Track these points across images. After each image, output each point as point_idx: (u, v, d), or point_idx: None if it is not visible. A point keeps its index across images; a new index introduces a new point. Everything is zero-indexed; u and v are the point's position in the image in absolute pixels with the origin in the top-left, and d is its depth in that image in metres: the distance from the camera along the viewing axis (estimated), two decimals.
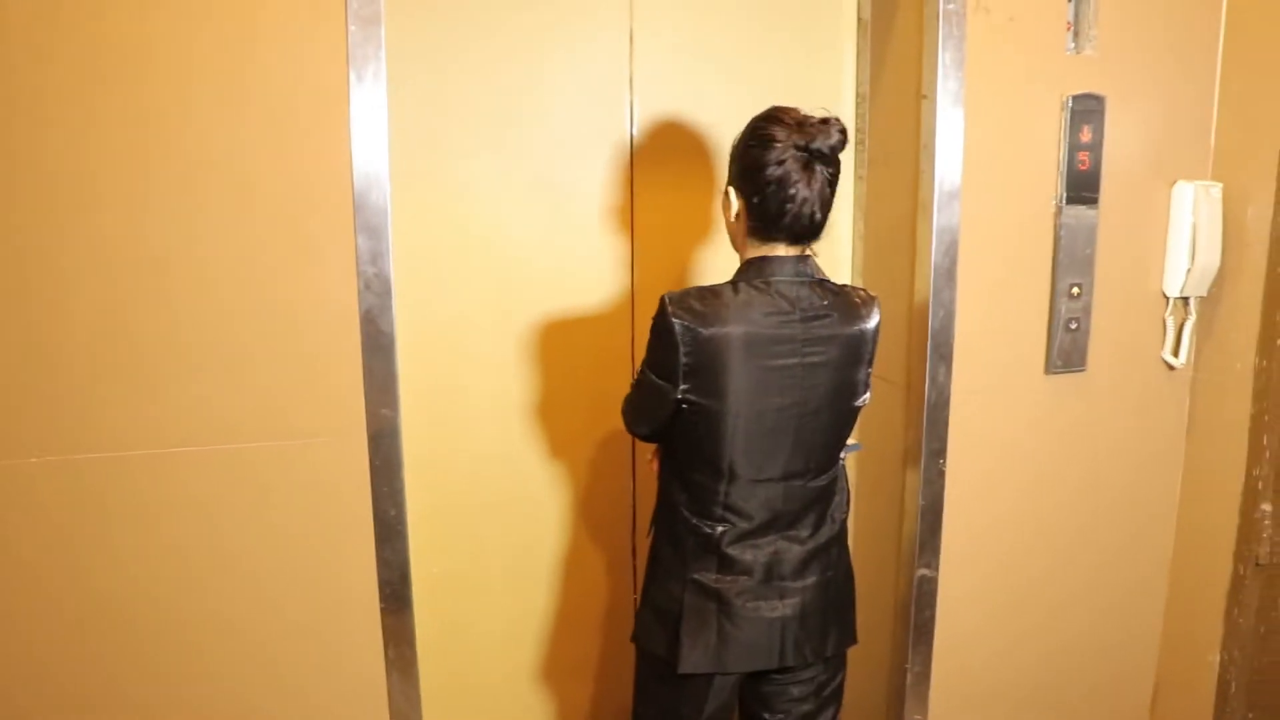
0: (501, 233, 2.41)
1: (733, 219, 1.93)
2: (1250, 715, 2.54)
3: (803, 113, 1.84)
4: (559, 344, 2.49)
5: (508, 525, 2.55)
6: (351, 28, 1.89)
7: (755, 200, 1.85)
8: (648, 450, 2.53)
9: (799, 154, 1.80)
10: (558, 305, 2.48)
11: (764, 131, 1.83)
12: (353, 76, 1.91)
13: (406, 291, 2.20)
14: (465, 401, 2.45)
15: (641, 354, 2.49)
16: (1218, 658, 2.59)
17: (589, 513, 2.62)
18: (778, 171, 1.81)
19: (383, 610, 2.13)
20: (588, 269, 2.50)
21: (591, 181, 2.46)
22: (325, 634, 2.12)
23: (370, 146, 1.95)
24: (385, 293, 2.01)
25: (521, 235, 2.42)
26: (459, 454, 2.46)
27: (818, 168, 1.82)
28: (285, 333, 1.97)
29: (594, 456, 2.59)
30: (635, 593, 2.70)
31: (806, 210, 1.84)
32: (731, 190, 1.90)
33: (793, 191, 1.81)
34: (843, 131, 1.83)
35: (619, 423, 2.56)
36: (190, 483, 1.97)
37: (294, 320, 1.97)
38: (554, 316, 2.48)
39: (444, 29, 2.28)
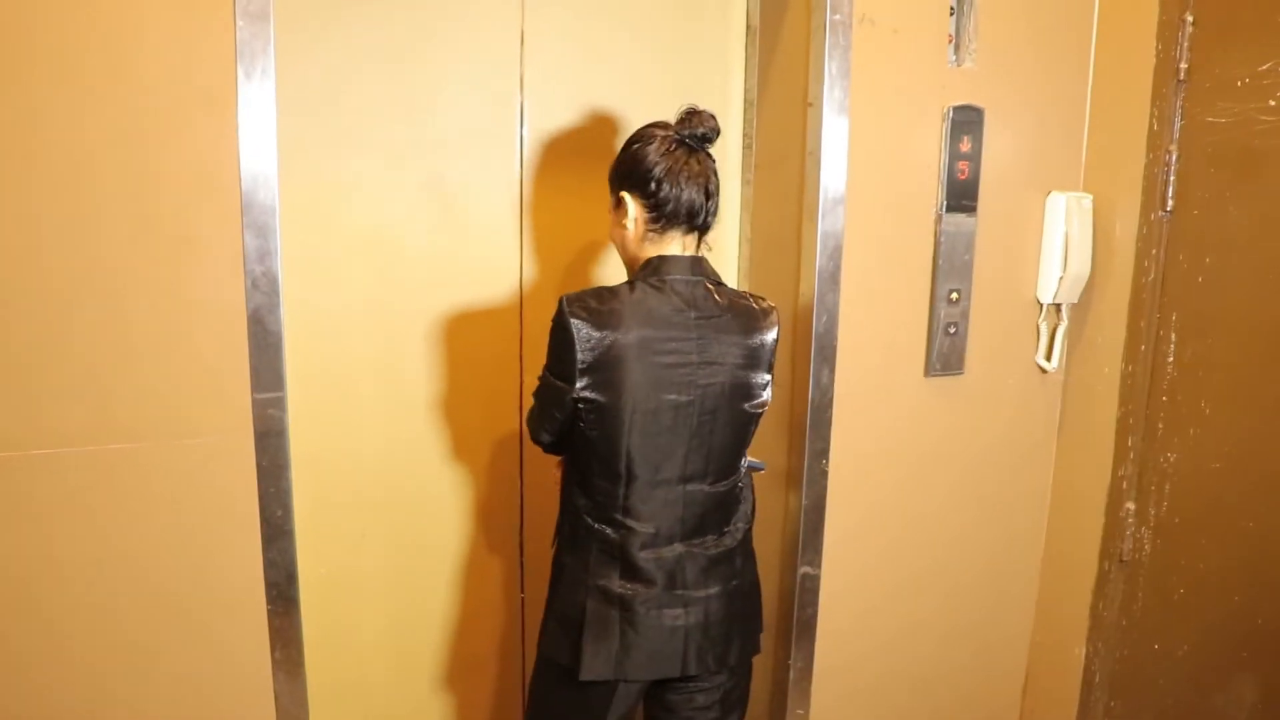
0: (390, 231, 2.39)
1: (629, 226, 1.97)
2: (1112, 704, 2.65)
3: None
4: (447, 344, 2.48)
5: (395, 524, 2.54)
6: (240, 23, 1.86)
7: (648, 196, 1.93)
8: (538, 450, 2.54)
9: (680, 143, 1.92)
10: (446, 305, 2.48)
11: (642, 132, 1.96)
12: (241, 74, 1.89)
13: (293, 290, 2.17)
14: (352, 401, 2.43)
15: (530, 354, 2.53)
16: (1083, 650, 2.70)
17: (477, 511, 2.62)
18: (666, 162, 1.91)
19: (269, 611, 2.10)
20: (476, 269, 2.50)
21: (481, 181, 2.46)
22: (211, 636, 2.08)
23: (258, 144, 1.92)
24: (273, 291, 1.98)
25: (410, 234, 2.41)
26: (346, 453, 2.45)
27: (699, 154, 1.94)
28: (170, 332, 1.93)
29: (482, 455, 2.59)
30: (522, 592, 2.71)
31: (700, 197, 1.93)
32: (626, 196, 1.96)
33: (684, 178, 1.91)
34: (712, 120, 1.95)
35: (507, 421, 2.59)
36: (68, 485, 1.92)
37: (179, 320, 1.93)
38: (442, 316, 2.47)
39: (333, 28, 2.26)
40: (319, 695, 2.32)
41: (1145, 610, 2.57)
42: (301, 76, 2.23)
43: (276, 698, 2.14)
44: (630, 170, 1.94)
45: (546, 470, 2.40)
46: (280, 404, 2.03)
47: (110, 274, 1.87)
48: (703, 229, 1.98)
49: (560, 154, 2.51)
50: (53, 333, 1.85)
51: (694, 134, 1.92)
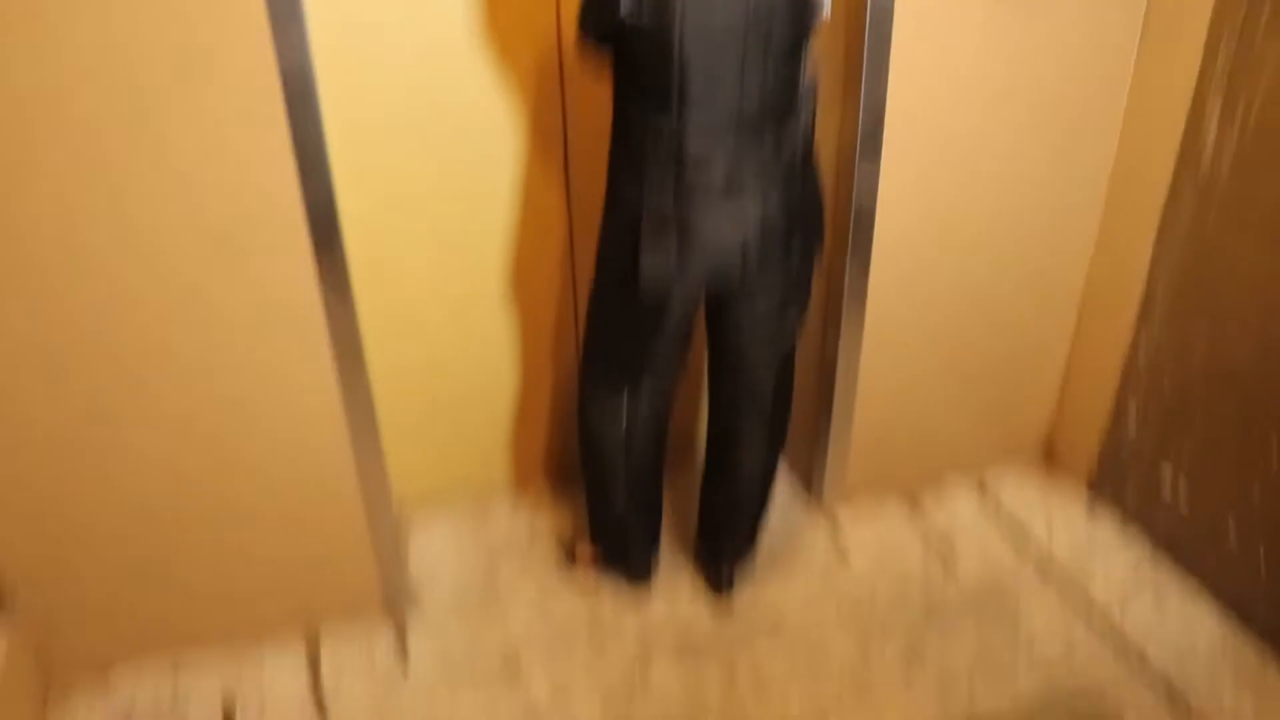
0: None
1: None
2: (1171, 317, 2.59)
3: None
4: None
5: (435, 146, 2.47)
6: None
7: None
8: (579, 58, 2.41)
9: None
10: None
11: None
12: None
13: None
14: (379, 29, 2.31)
15: None
16: (1148, 257, 2.62)
17: (516, 124, 2.52)
18: None
19: (314, 243, 2.06)
20: None
21: None
22: (256, 270, 2.06)
23: None
24: None
25: None
26: (373, 71, 2.35)
27: None
28: None
29: (520, 67, 2.46)
30: (568, 205, 2.65)
31: None
32: None
33: None
34: None
35: (546, 32, 2.43)
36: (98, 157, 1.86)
37: None
38: None
39: None
40: (373, 328, 2.36)
41: (1218, 222, 2.43)
42: None
43: (330, 328, 2.15)
44: None
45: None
46: (300, 33, 1.89)
47: None
48: None
49: None
50: None
51: None
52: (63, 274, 1.94)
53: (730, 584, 2.57)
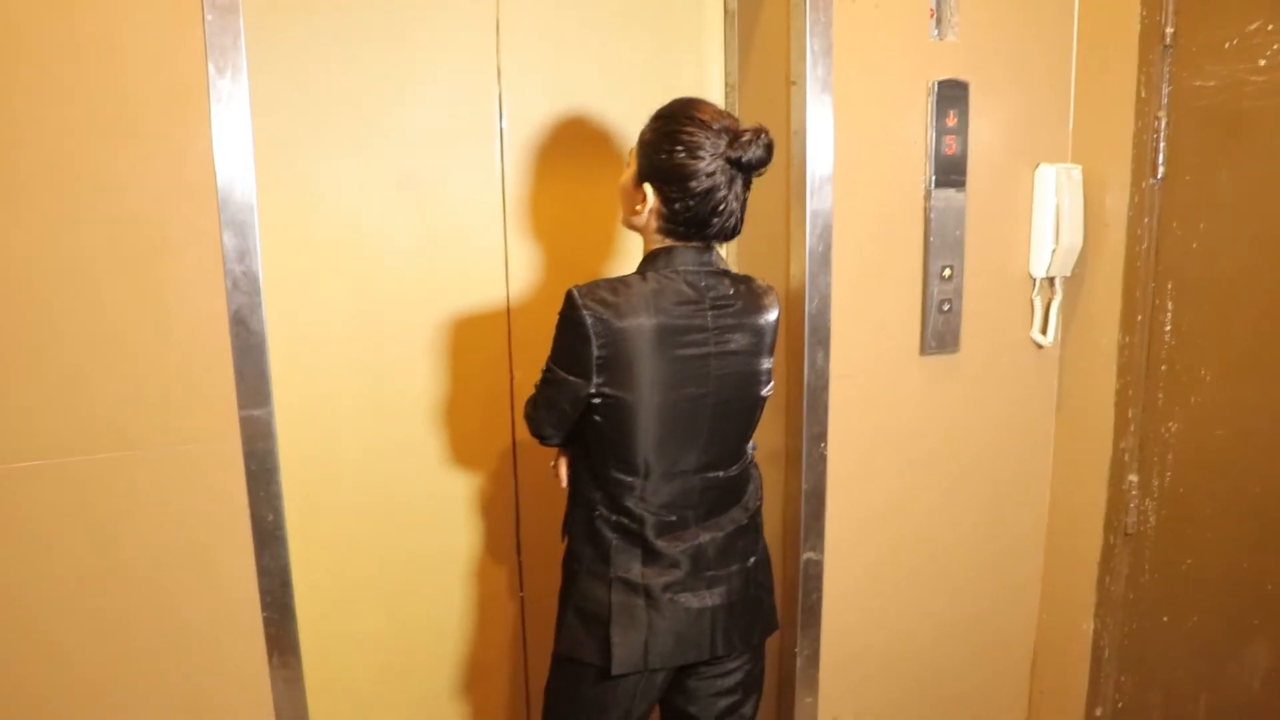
0: (370, 231, 2.36)
1: (643, 213, 1.90)
2: (1122, 679, 2.62)
3: (723, 116, 1.82)
4: (433, 344, 2.45)
5: (386, 529, 2.50)
6: (208, 16, 1.83)
7: (678, 206, 1.84)
8: (532, 447, 2.51)
9: (727, 166, 1.80)
10: (430, 305, 2.44)
11: (690, 138, 1.80)
12: (212, 68, 1.85)
13: (273, 292, 2.13)
14: (337, 404, 2.39)
15: (519, 352, 2.48)
16: (1091, 625, 2.67)
17: (470, 513, 2.58)
18: (707, 183, 1.81)
19: (265, 619, 2.07)
20: (460, 268, 2.46)
21: (461, 178, 2.43)
22: (207, 645, 2.04)
23: (233, 141, 1.88)
24: (254, 291, 1.95)
25: (391, 233, 2.38)
26: (333, 457, 2.41)
27: (741, 178, 1.83)
28: (151, 336, 1.90)
29: (473, 457, 2.55)
30: (521, 590, 2.67)
31: (731, 222, 1.86)
32: (648, 187, 1.87)
33: (720, 205, 1.83)
34: (769, 146, 1.82)
35: (498, 421, 2.54)
36: (55, 497, 1.88)
37: (160, 323, 1.90)
38: (428, 316, 2.44)
39: (302, 21, 2.22)
40: (318, 702, 2.28)
41: (1152, 582, 2.53)
42: (271, 71, 2.19)
43: (276, 707, 2.10)
44: (665, 173, 1.83)
45: (542, 465, 2.37)
46: (266, 406, 1.99)
47: (88, 280, 1.84)
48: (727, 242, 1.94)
49: (542, 147, 2.48)
50: (31, 341, 1.82)
51: (743, 159, 1.80)
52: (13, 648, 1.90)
53: None
